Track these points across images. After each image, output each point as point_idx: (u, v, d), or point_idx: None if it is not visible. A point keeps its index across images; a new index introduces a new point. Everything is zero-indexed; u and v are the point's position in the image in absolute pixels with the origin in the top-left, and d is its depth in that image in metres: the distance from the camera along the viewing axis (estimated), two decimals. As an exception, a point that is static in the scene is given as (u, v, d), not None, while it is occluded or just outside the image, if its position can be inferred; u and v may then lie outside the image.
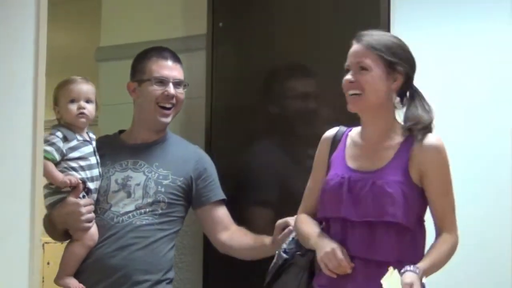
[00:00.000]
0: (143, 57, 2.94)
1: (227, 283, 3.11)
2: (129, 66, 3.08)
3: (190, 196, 2.87)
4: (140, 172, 2.85)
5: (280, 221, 2.72)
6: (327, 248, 2.31)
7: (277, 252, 2.53)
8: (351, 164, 2.41)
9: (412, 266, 2.19)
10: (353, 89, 2.37)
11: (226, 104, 3.18)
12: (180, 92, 2.89)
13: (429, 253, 2.29)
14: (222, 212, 2.90)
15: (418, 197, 2.33)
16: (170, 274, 2.81)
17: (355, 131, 2.48)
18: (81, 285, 2.73)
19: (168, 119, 2.89)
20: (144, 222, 2.78)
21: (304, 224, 2.49)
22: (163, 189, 2.81)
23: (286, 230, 2.68)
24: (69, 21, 4.89)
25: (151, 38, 3.31)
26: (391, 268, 2.18)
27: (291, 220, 2.70)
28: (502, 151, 2.68)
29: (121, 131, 3.01)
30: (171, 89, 2.86)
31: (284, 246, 2.53)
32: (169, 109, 2.87)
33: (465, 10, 2.80)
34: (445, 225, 2.33)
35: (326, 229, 2.41)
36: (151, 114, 2.87)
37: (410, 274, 2.17)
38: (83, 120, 2.77)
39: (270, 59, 3.11)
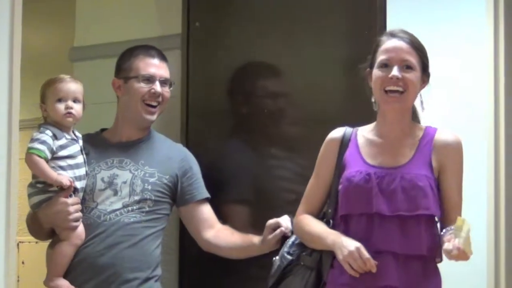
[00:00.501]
0: (129, 54, 2.99)
1: (203, 282, 3.16)
2: (104, 66, 3.14)
3: (175, 194, 2.93)
4: (126, 170, 2.89)
5: (271, 221, 2.76)
6: (351, 248, 2.30)
7: (275, 258, 2.56)
8: (370, 161, 2.42)
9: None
10: (397, 86, 2.37)
11: (201, 104, 3.25)
12: (166, 90, 2.95)
13: None
14: (207, 211, 2.95)
15: (438, 189, 2.40)
16: (158, 271, 2.87)
17: (365, 130, 2.50)
18: (72, 286, 2.77)
19: (154, 117, 2.94)
20: (131, 220, 2.83)
21: (312, 224, 2.49)
22: (149, 187, 2.86)
23: (277, 231, 2.73)
24: (43, 21, 4.91)
25: (126, 38, 3.36)
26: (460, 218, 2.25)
27: (281, 220, 2.75)
28: (478, 134, 2.75)
29: (102, 130, 3.04)
30: (157, 87, 2.91)
31: (286, 249, 2.55)
32: (155, 107, 2.93)
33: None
34: (455, 216, 2.36)
35: (344, 227, 2.42)
36: (137, 111, 2.92)
37: None
38: (70, 119, 2.81)
39: (246, 59, 3.19)
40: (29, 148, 2.74)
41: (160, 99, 2.93)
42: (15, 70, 2.51)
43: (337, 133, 2.51)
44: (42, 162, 2.73)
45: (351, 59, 2.81)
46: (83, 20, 3.69)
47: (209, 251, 2.95)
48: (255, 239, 2.82)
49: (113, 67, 3.09)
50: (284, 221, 2.75)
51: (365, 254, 2.28)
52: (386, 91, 2.37)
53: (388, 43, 2.40)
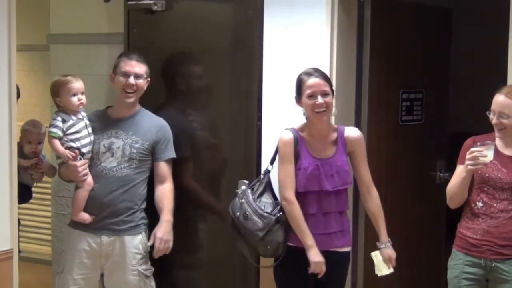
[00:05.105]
0: (118, 57, 3.94)
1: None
2: (73, 50, 4.36)
3: (154, 153, 3.90)
4: (119, 139, 3.87)
5: (154, 232, 3.82)
6: (320, 259, 3.35)
7: (242, 214, 3.48)
8: (315, 154, 3.42)
9: (383, 243, 3.47)
10: (322, 108, 3.39)
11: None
12: (140, 82, 3.87)
13: (380, 223, 3.52)
14: (164, 169, 3.92)
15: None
16: (143, 205, 3.91)
17: (302, 131, 3.45)
18: (92, 216, 3.81)
19: (131, 100, 3.89)
20: (124, 174, 3.83)
21: (301, 222, 3.39)
22: (135, 151, 3.85)
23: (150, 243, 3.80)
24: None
25: (84, 31, 4.37)
26: (373, 254, 3.44)
27: (155, 237, 3.79)
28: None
29: (108, 107, 4.00)
30: (131, 80, 3.84)
31: (260, 212, 3.45)
32: (130, 93, 3.87)
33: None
34: (370, 184, 3.53)
35: (302, 197, 3.40)
36: (120, 96, 3.89)
37: (387, 249, 3.50)
38: (81, 107, 3.74)
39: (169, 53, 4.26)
40: (48, 132, 3.66)
41: (134, 88, 3.84)
42: (12, 53, 3.30)
43: (289, 135, 3.45)
44: (56, 142, 3.66)
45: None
46: (56, 12, 4.59)
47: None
48: (162, 217, 3.85)
49: (74, 50, 4.24)
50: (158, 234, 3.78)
51: (324, 268, 3.35)
52: (316, 112, 3.34)
53: (310, 81, 3.34)
